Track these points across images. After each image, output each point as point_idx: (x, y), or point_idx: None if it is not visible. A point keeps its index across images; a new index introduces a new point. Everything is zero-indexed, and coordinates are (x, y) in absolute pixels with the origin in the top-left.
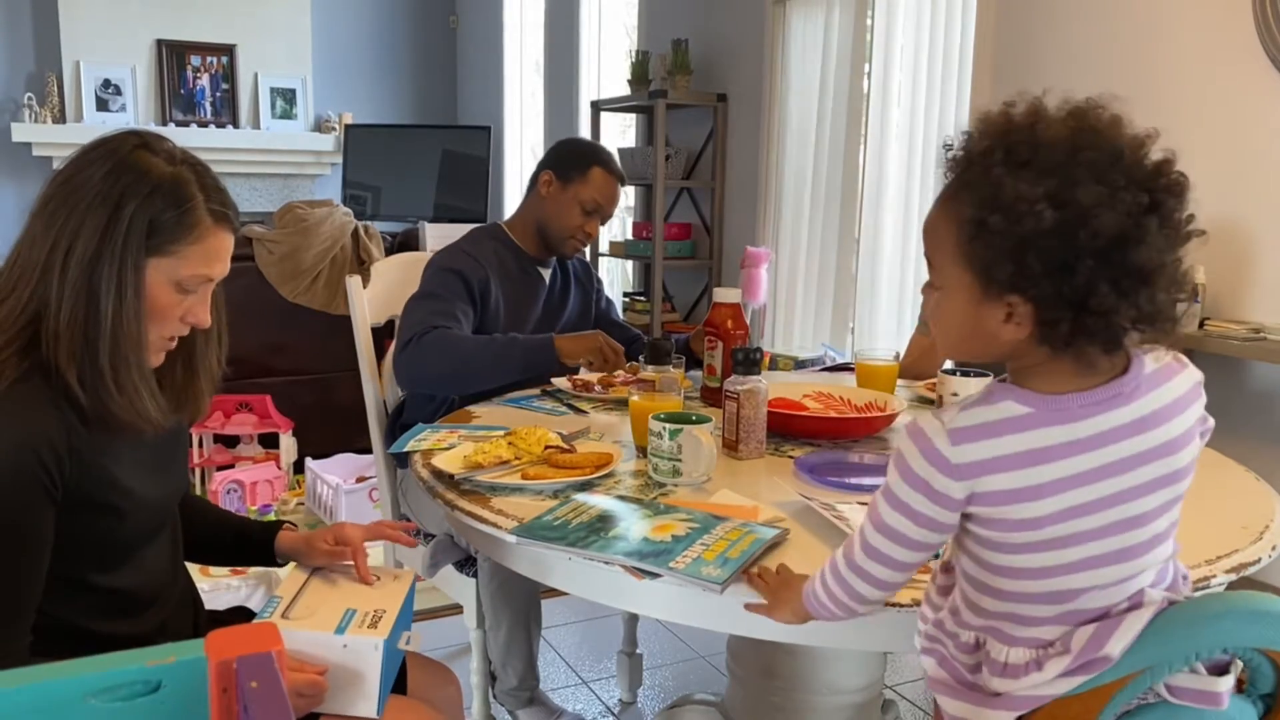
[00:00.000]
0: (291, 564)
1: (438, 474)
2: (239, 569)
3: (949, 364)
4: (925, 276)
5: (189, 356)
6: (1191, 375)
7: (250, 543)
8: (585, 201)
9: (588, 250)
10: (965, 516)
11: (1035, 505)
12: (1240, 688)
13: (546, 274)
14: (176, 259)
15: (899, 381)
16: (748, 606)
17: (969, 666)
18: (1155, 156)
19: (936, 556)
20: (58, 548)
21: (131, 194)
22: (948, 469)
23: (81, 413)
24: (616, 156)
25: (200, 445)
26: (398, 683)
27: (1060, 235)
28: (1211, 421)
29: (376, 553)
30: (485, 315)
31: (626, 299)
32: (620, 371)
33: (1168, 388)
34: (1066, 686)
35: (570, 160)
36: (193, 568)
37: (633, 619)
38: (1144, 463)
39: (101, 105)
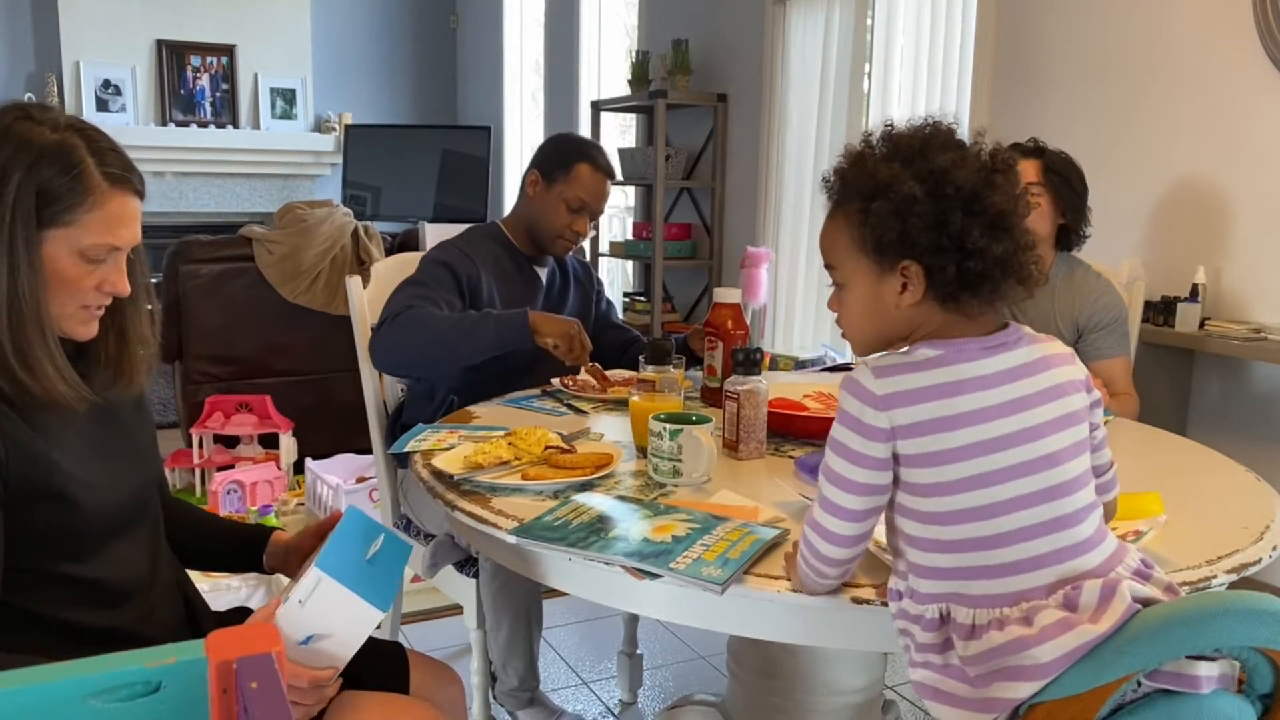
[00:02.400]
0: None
1: (438, 474)
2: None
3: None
4: None
5: (121, 328)
6: (1059, 345)
7: (238, 551)
8: (570, 200)
9: (587, 250)
10: (896, 462)
11: (952, 436)
12: (1239, 687)
13: (543, 273)
14: (75, 228)
15: None
16: (786, 557)
17: (937, 646)
18: (988, 147)
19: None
20: (20, 539)
21: (14, 165)
22: (872, 400)
23: (5, 396)
24: (616, 157)
25: (200, 445)
26: (399, 682)
27: (930, 197)
28: (1097, 394)
29: None
30: (477, 310)
31: (627, 299)
32: (586, 373)
33: (1047, 345)
34: (1046, 656)
35: (555, 159)
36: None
37: (633, 619)
38: (1043, 401)
39: (101, 105)
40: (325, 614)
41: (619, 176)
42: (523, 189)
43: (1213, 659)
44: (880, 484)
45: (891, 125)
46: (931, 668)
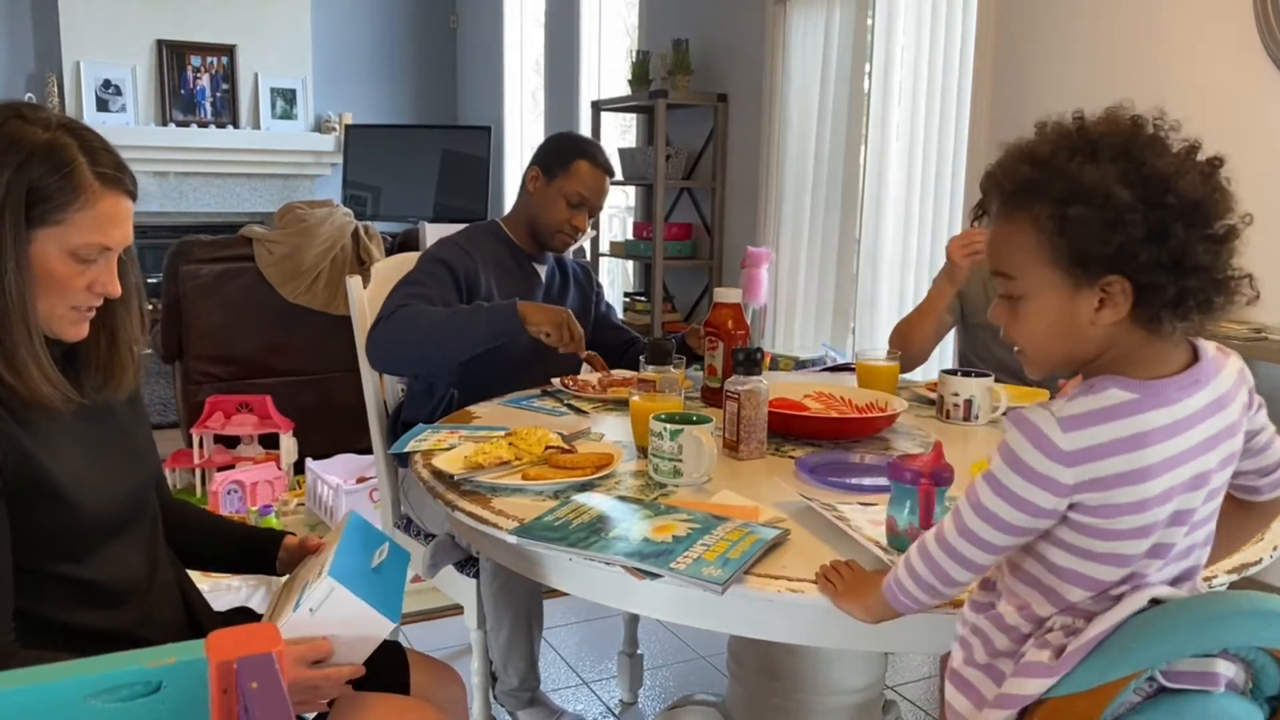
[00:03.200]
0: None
1: (438, 474)
2: None
3: (949, 364)
4: (925, 276)
5: (112, 329)
6: (1235, 363)
7: (248, 552)
8: (570, 195)
9: (588, 250)
10: (1070, 506)
11: (1143, 488)
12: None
13: (543, 270)
14: (65, 227)
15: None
16: (821, 584)
17: (1005, 653)
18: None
19: None
20: (17, 539)
21: (4, 164)
22: (1059, 455)
23: None
24: (616, 157)
25: (201, 445)
26: (399, 683)
27: (1147, 205)
28: (1260, 399)
29: None
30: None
31: (627, 299)
32: (585, 361)
33: (1225, 374)
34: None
35: (555, 155)
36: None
37: (633, 619)
38: (1217, 444)
39: (102, 105)
40: (336, 623)
41: (618, 174)
42: (523, 185)
43: (1229, 659)
44: (1037, 529)
45: (1082, 117)
46: (976, 666)
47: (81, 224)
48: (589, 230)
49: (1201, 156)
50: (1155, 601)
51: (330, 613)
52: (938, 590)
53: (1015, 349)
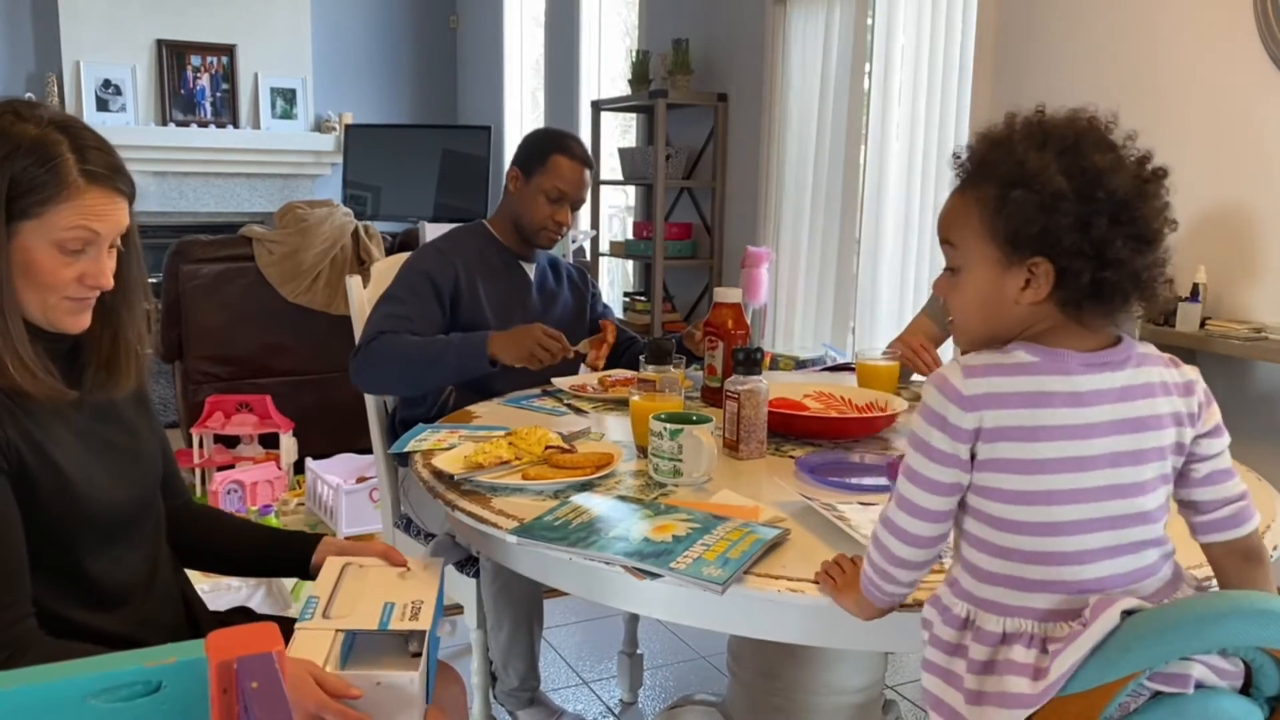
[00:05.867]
0: (326, 562)
1: (438, 474)
2: None
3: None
4: (926, 275)
5: (115, 328)
6: (1183, 373)
7: (278, 555)
8: (549, 190)
9: (588, 250)
10: (973, 463)
11: (1034, 447)
12: (1246, 690)
13: (531, 269)
14: (47, 219)
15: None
16: (821, 580)
17: (949, 646)
18: (1136, 152)
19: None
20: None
21: None
22: (959, 400)
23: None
24: (616, 157)
25: (200, 445)
26: None
27: (1079, 197)
28: (1216, 425)
29: None
30: (461, 311)
31: (627, 299)
32: (586, 347)
33: (1155, 370)
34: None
35: (531, 153)
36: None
37: (633, 619)
38: (1130, 430)
39: (102, 105)
40: (386, 702)
41: (596, 165)
42: (505, 186)
43: (1203, 661)
44: (959, 484)
45: (1044, 111)
46: (936, 671)
47: (64, 215)
48: (574, 225)
49: (1151, 166)
50: (1127, 614)
51: (389, 695)
52: (889, 574)
53: (949, 319)
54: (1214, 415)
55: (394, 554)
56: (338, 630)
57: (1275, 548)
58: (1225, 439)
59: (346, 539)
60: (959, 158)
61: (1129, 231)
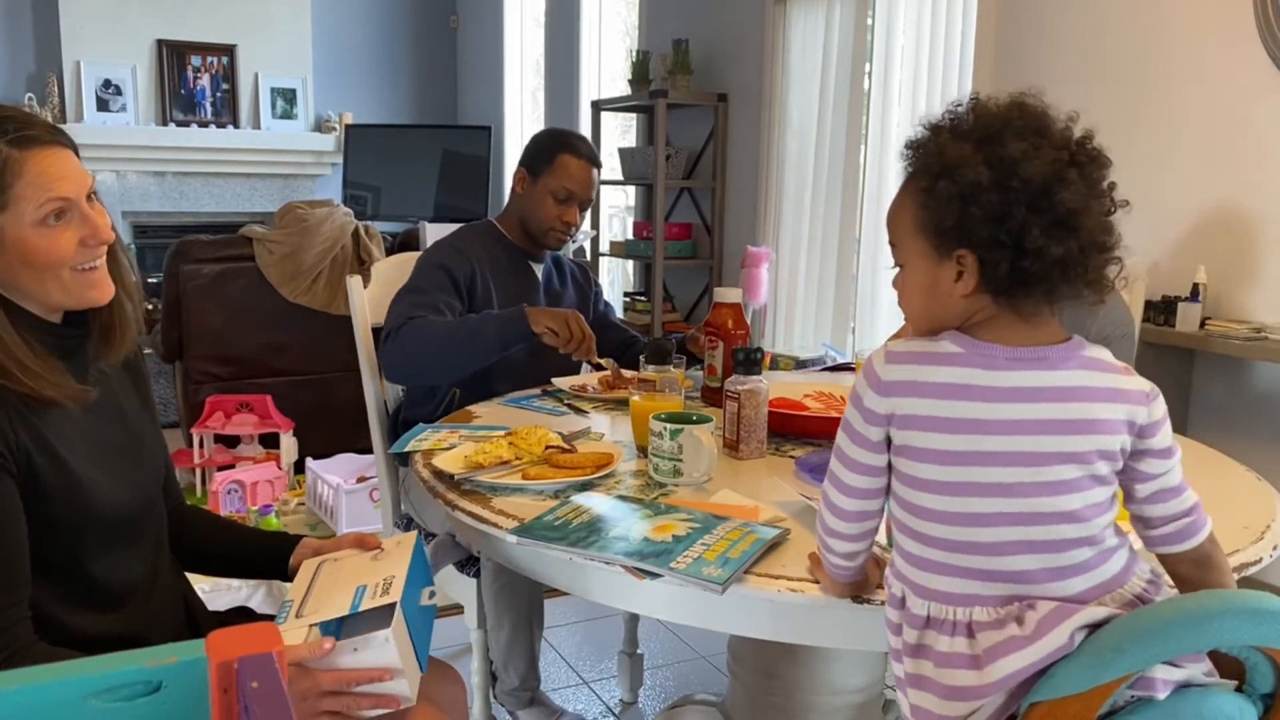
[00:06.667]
0: (302, 565)
1: (438, 474)
2: None
3: None
4: None
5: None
6: (1141, 383)
7: (260, 557)
8: (556, 191)
9: (588, 250)
10: (890, 447)
11: (945, 439)
12: (1240, 687)
13: (539, 269)
14: (12, 204)
15: None
16: (811, 565)
17: (895, 626)
18: (1077, 133)
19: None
20: (29, 530)
21: None
22: (877, 385)
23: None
24: (616, 157)
25: (201, 445)
26: None
27: (996, 187)
28: (1168, 446)
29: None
30: (476, 307)
31: (627, 299)
32: (593, 365)
33: (1105, 375)
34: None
35: (538, 153)
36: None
37: (633, 619)
38: (1058, 431)
39: (102, 105)
40: (378, 658)
41: (603, 164)
42: (512, 188)
43: (1176, 664)
44: (876, 465)
45: (976, 98)
46: (891, 653)
47: (27, 193)
48: (582, 225)
49: (1089, 146)
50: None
51: (371, 660)
52: (827, 544)
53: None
54: (1167, 435)
55: (367, 539)
56: (311, 625)
57: (1275, 548)
58: (1174, 459)
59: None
60: (904, 152)
61: (1049, 219)
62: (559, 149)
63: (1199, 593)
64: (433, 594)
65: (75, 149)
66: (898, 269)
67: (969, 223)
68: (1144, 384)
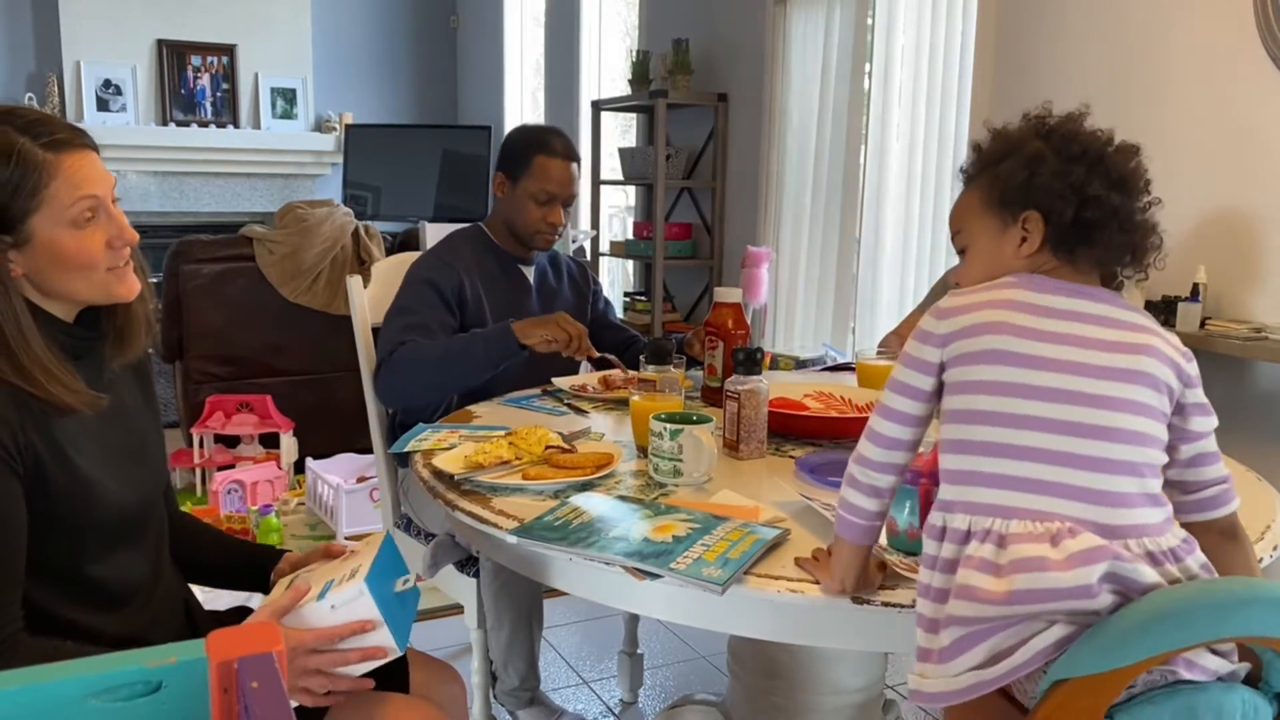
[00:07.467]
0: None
1: (438, 474)
2: None
3: None
4: (926, 275)
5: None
6: (1168, 338)
7: (244, 569)
8: (537, 194)
9: (588, 249)
10: (942, 369)
11: (1002, 340)
12: (1255, 683)
13: (530, 272)
14: (48, 205)
15: None
16: (798, 561)
17: (930, 560)
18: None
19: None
20: (30, 532)
21: None
22: (937, 311)
23: (17, 386)
24: (616, 157)
25: (201, 445)
26: (399, 682)
27: (1057, 155)
28: (1206, 403)
29: None
30: (468, 318)
31: (627, 299)
32: (590, 362)
33: (1151, 320)
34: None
35: (513, 156)
36: None
37: (634, 619)
38: (1108, 349)
39: (102, 105)
40: (356, 611)
41: (580, 156)
42: (493, 191)
43: (1222, 654)
44: (926, 390)
45: (1050, 110)
46: (920, 591)
47: (59, 194)
48: (572, 220)
49: (1119, 141)
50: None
51: (349, 616)
52: (857, 480)
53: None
54: (1202, 395)
55: (333, 547)
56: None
57: (1276, 548)
58: (1214, 420)
59: (346, 538)
60: (964, 169)
61: (1105, 174)
62: (534, 150)
63: (1229, 578)
64: (407, 581)
65: (98, 150)
66: (960, 255)
67: (1035, 184)
68: (1168, 341)
